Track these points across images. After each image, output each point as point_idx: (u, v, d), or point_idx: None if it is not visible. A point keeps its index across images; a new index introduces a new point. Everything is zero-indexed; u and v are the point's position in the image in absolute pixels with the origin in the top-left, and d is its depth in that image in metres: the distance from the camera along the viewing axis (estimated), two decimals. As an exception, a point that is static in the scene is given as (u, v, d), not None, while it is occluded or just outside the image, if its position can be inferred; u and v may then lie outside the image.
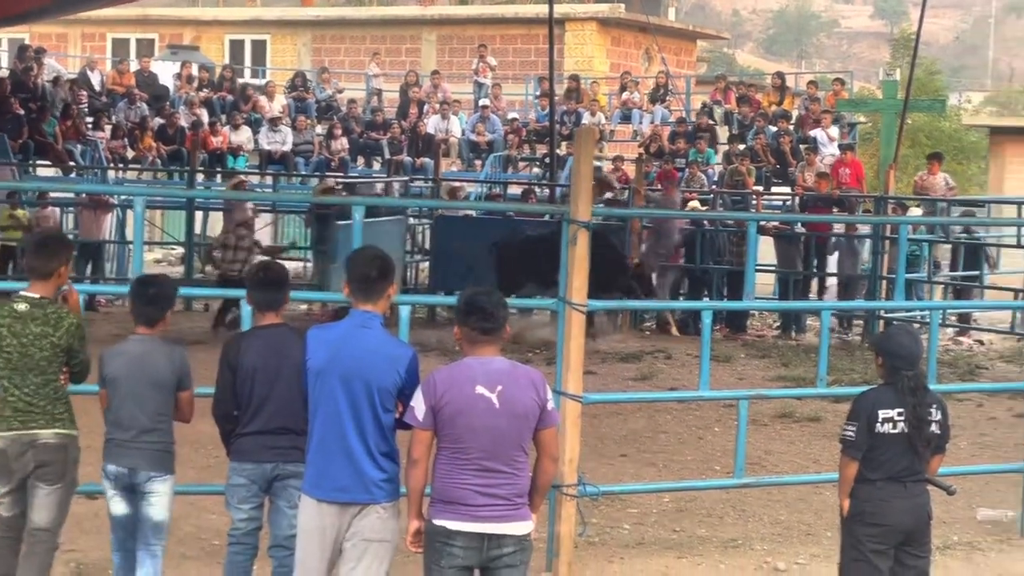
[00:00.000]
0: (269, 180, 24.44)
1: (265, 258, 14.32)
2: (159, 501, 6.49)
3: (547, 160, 23.30)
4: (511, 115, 28.10)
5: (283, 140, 25.39)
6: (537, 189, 21.37)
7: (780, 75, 28.85)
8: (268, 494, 6.51)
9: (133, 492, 6.48)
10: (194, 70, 28.34)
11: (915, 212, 22.38)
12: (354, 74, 33.25)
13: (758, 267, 18.58)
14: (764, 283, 20.38)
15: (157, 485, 6.48)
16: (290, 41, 37.37)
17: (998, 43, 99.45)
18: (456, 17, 36.94)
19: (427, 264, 19.76)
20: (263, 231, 20.96)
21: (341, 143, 25.83)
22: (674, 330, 18.33)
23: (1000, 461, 11.06)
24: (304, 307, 18.48)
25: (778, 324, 19.29)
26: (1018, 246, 18.53)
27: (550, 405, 5.72)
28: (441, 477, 5.63)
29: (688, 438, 12.11)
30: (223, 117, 26.24)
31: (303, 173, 24.94)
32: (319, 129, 27.02)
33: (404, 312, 8.09)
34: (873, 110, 28.00)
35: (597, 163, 20.94)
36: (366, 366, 5.74)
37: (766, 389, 13.34)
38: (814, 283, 19.79)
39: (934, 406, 6.46)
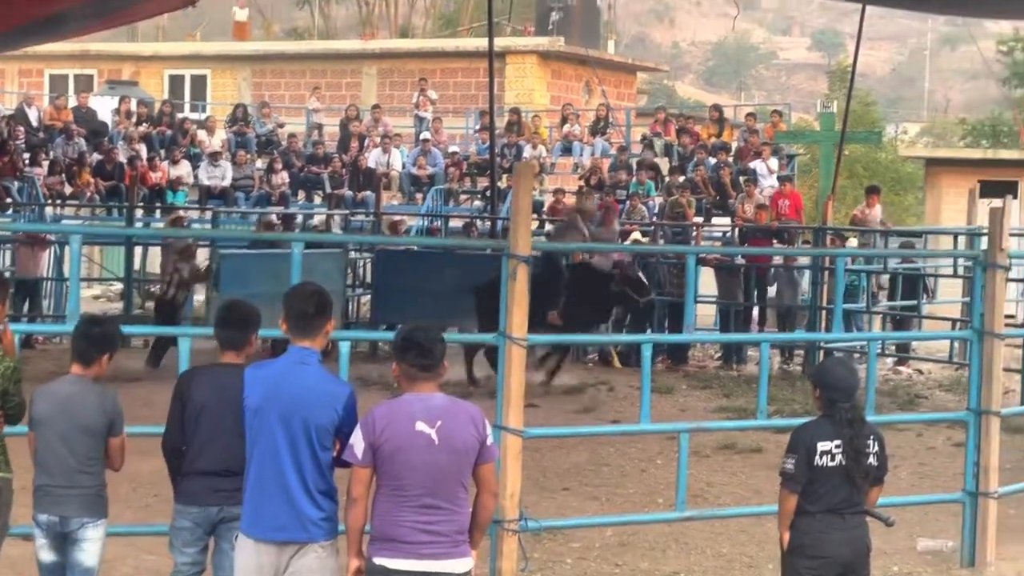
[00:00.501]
0: (209, 215, 24.31)
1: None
2: (90, 547, 6.38)
3: (488, 193, 23.33)
4: (452, 148, 28.12)
5: (223, 175, 25.27)
6: (479, 222, 21.38)
7: (718, 107, 29.08)
8: (212, 536, 6.44)
9: (64, 539, 6.37)
10: (133, 105, 28.19)
11: (853, 243, 22.57)
12: (295, 108, 33.19)
13: (699, 298, 18.82)
14: (706, 314, 20.50)
15: (89, 531, 6.37)
16: (230, 76, 37.26)
17: (933, 75, 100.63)
18: (397, 51, 36.98)
19: (368, 298, 19.69)
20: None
21: (281, 177, 25.74)
22: (616, 362, 18.37)
23: (939, 491, 11.13)
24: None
25: (719, 355, 19.37)
26: (955, 276, 18.73)
27: (490, 440, 5.71)
28: (380, 515, 5.60)
29: (631, 471, 12.12)
30: (162, 152, 26.10)
31: (243, 208, 24.83)
32: (259, 164, 26.93)
33: (344, 348, 8.06)
34: (811, 142, 28.22)
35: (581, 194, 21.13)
36: (304, 403, 5.71)
37: (707, 421, 13.39)
38: (755, 313, 19.90)
39: (871, 437, 6.49)
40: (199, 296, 19.23)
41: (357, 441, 5.58)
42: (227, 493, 6.23)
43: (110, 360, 6.49)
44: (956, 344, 18.36)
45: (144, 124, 27.58)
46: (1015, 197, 28.60)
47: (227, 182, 25.21)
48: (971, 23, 29.89)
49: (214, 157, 25.52)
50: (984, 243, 9.67)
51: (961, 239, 20.48)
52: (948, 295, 21.06)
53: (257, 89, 36.48)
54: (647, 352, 8.66)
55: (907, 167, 46.05)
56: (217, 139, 27.35)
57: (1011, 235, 10.09)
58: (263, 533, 5.73)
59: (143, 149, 25.89)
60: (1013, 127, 43.32)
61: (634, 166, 25.09)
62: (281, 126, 29.74)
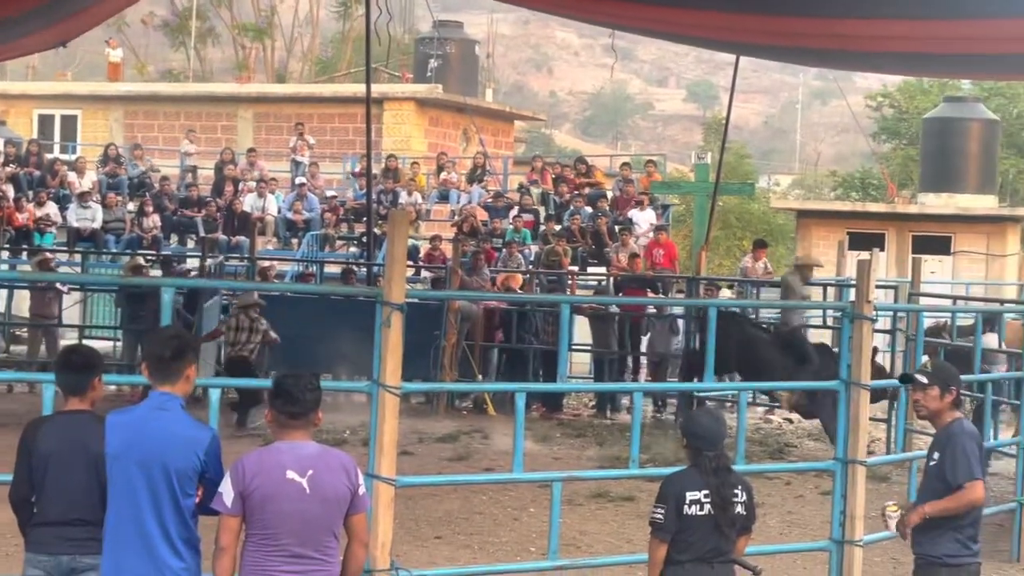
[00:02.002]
0: (78, 258, 23.90)
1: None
2: None
3: (364, 239, 23.25)
4: (329, 193, 28.01)
5: (93, 217, 24.91)
6: (356, 268, 21.30)
7: (583, 160, 29.33)
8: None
9: None
10: (0, 144, 27.70)
11: (727, 293, 22.88)
12: (168, 151, 32.83)
13: (574, 346, 18.91)
14: (581, 362, 20.59)
15: None
16: (102, 116, 36.75)
17: (805, 128, 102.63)
18: (273, 95, 36.79)
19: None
20: (71, 309, 20.50)
21: (153, 220, 25.44)
22: (491, 410, 18.37)
23: (807, 539, 11.28)
24: (113, 388, 18.05)
25: (594, 403, 19.46)
26: (824, 327, 19.02)
27: (362, 490, 5.68)
28: (249, 565, 5.53)
29: (504, 519, 12.09)
30: (29, 193, 25.65)
31: (113, 251, 24.46)
32: (131, 206, 26.57)
33: (215, 395, 7.93)
34: (686, 192, 28.65)
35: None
36: (164, 450, 5.60)
37: (581, 470, 13.40)
38: (630, 362, 20.04)
39: (739, 487, 6.54)
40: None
41: (226, 489, 5.50)
42: (78, 542, 6.04)
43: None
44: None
45: (11, 164, 27.10)
46: (882, 250, 29.23)
47: (97, 224, 24.86)
48: (841, 78, 30.55)
49: (83, 198, 25.15)
50: (852, 295, 9.84)
51: (831, 290, 20.85)
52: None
53: (129, 130, 36.02)
54: (521, 401, 8.65)
55: (779, 218, 46.82)
56: (87, 180, 26.97)
57: (877, 287, 10.28)
58: (122, 584, 5.60)
59: (10, 189, 25.42)
60: (881, 181, 44.29)
61: (511, 214, 25.22)
62: (156, 170, 29.40)
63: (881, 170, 45.78)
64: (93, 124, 36.66)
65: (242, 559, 5.56)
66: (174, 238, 26.36)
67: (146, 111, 36.67)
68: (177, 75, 53.20)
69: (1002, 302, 21.20)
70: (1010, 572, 11.17)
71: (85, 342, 17.04)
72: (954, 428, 7.03)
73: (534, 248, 24.07)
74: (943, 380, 7.14)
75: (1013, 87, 42.91)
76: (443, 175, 28.45)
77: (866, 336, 9.20)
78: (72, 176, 26.81)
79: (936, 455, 7.09)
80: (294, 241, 26.43)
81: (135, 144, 30.78)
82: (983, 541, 7.31)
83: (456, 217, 26.18)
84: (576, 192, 26.18)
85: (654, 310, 19.14)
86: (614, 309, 19.26)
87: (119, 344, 19.90)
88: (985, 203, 31.66)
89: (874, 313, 9.28)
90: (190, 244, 26.14)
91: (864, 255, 14.15)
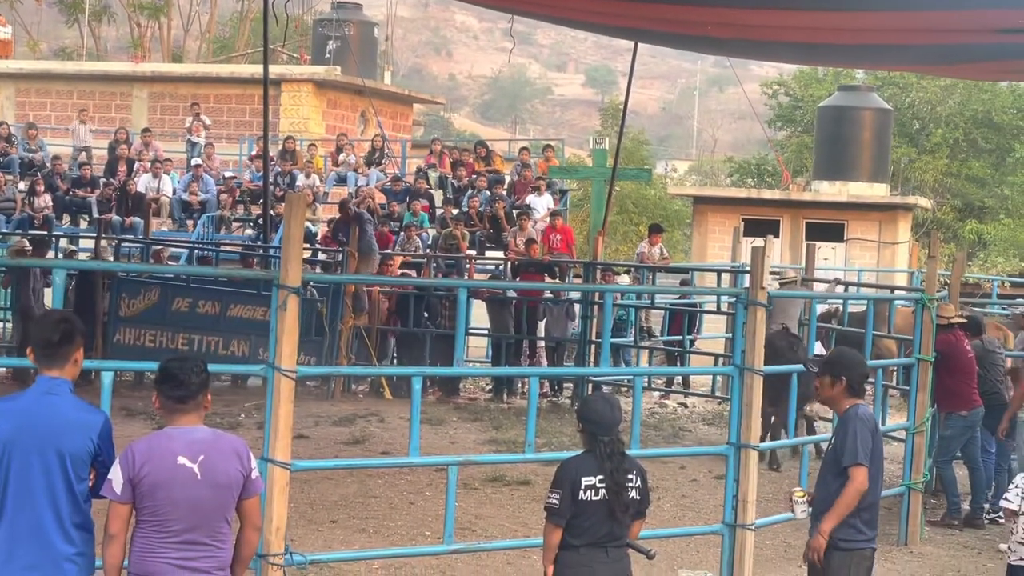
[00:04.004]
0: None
1: None
2: None
3: (260, 222, 23.07)
4: (226, 174, 27.72)
5: (-19, 196, 24.46)
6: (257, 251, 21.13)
7: (483, 144, 29.28)
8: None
9: None
10: None
11: (624, 279, 23.03)
12: (60, 130, 32.28)
13: (471, 330, 18.91)
14: (478, 346, 20.61)
15: None
16: (-7, 94, 36.08)
17: (702, 114, 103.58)
18: (169, 75, 36.34)
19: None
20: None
21: (44, 200, 25.01)
22: (387, 393, 18.31)
23: (701, 522, 11.40)
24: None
25: (490, 387, 19.49)
26: (718, 312, 19.22)
27: (255, 474, 5.65)
28: (138, 551, 5.47)
29: (399, 503, 12.08)
30: (-82, 171, 25.13)
31: (3, 231, 24.03)
32: (21, 186, 26.11)
33: (107, 378, 7.82)
34: (583, 177, 28.75)
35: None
36: (56, 434, 5.50)
37: (477, 454, 13.43)
38: (526, 346, 20.08)
39: (633, 471, 6.58)
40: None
41: (116, 476, 5.43)
42: None
43: None
44: (719, 379, 18.84)
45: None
46: (776, 236, 29.60)
47: (-14, 204, 24.40)
48: (737, 65, 30.83)
49: (-27, 177, 24.68)
50: (747, 281, 9.94)
51: (725, 276, 21.06)
52: (712, 330, 21.64)
53: (21, 108, 35.41)
54: (417, 384, 8.64)
55: (675, 204, 47.24)
56: (-24, 159, 26.48)
57: (771, 273, 10.40)
58: (14, 573, 5.50)
59: None
60: (776, 168, 44.82)
61: (408, 197, 25.14)
62: (53, 156, 28.90)
63: (776, 157, 46.33)
64: (-17, 102, 35.97)
65: (132, 545, 5.50)
66: (66, 218, 25.94)
67: (38, 89, 36.05)
68: (70, 53, 52.32)
69: (892, 289, 21.57)
70: (897, 555, 11.37)
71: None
72: (848, 413, 7.17)
73: (432, 232, 24.03)
74: (832, 368, 7.29)
75: (906, 77, 43.62)
76: (341, 157, 28.28)
77: (759, 322, 9.30)
78: (-40, 155, 26.29)
79: (833, 439, 7.26)
80: (189, 223, 26.14)
81: (29, 123, 30.22)
82: (873, 525, 7.43)
83: (354, 200, 26.03)
84: (474, 175, 26.16)
85: (551, 295, 19.20)
86: (511, 294, 19.28)
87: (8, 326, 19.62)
88: (877, 191, 32.19)
89: (768, 299, 9.39)
90: (83, 224, 25.75)
91: (759, 242, 14.31)
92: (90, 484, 5.59)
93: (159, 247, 21.23)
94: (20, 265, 16.40)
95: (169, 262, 21.05)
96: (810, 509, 7.31)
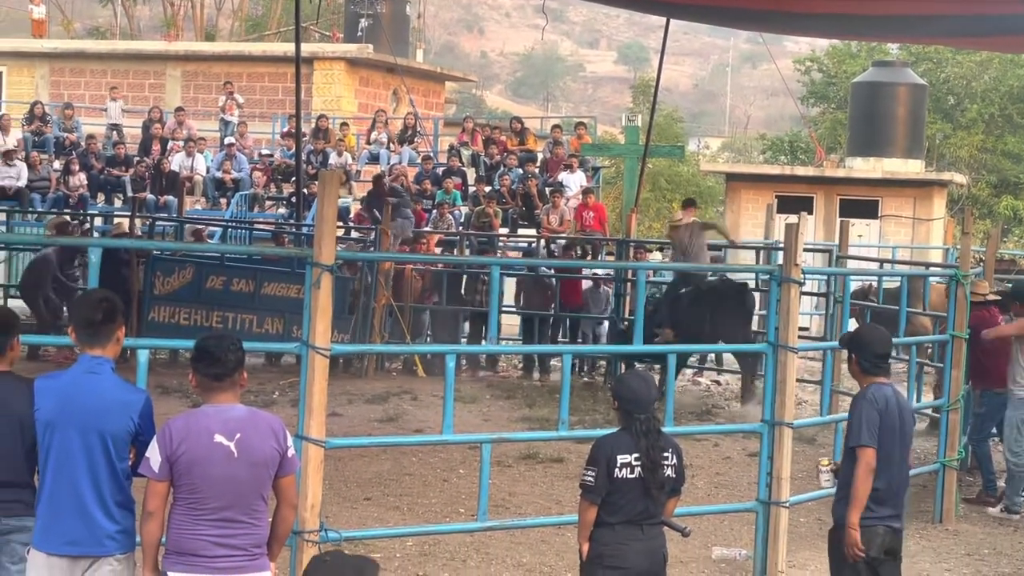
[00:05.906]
0: (3, 217, 23.56)
1: None
2: None
3: (293, 200, 23.11)
4: (261, 152, 27.78)
5: (17, 175, 24.54)
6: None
7: (519, 119, 29.23)
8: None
9: None
10: (-79, 102, 27.24)
11: (657, 256, 22.95)
12: (94, 109, 32.40)
13: (504, 308, 18.90)
14: (510, 324, 20.61)
15: None
16: (27, 73, 36.16)
17: (735, 91, 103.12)
18: (202, 53, 36.37)
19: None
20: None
21: (79, 179, 25.11)
22: (420, 371, 18.35)
23: (734, 500, 11.41)
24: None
25: (522, 365, 19.49)
26: (754, 290, 19.11)
27: (291, 452, 5.67)
28: (176, 528, 5.51)
29: (433, 480, 12.11)
30: (-47, 151, 25.22)
31: (39, 210, 24.16)
32: (56, 165, 26.22)
33: (143, 356, 7.86)
34: (616, 155, 28.66)
35: None
36: (98, 413, 5.56)
37: (510, 431, 13.44)
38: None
39: (669, 450, 6.58)
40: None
41: (153, 454, 5.47)
42: (4, 504, 5.89)
43: None
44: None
45: (-67, 122, 26.65)
46: (810, 213, 29.44)
47: (22, 183, 24.49)
48: (770, 41, 30.65)
49: (8, 156, 24.77)
50: (780, 258, 9.90)
51: (760, 253, 20.96)
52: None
53: (55, 88, 35.50)
54: (451, 362, 8.65)
55: (708, 181, 47.03)
56: (12, 138, 26.57)
57: (805, 250, 10.35)
58: (55, 547, 5.57)
59: (-67, 148, 25.00)
60: (810, 144, 44.58)
61: (441, 175, 25.13)
62: (87, 135, 29.00)
63: (810, 134, 46.06)
64: (18, 81, 36.07)
65: (169, 522, 5.54)
66: (101, 197, 26.05)
67: (72, 68, 36.13)
68: (104, 32, 52.44)
69: (927, 266, 21.45)
70: (932, 533, 11.34)
71: (9, 303, 16.89)
72: (859, 393, 7.16)
73: (464, 209, 24.02)
74: (848, 345, 7.32)
75: (940, 52, 43.24)
76: (373, 135, 28.28)
77: (793, 299, 9.28)
78: (-4, 134, 26.39)
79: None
80: (223, 201, 26.21)
81: (66, 104, 30.32)
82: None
83: (387, 178, 26.05)
84: (505, 153, 26.12)
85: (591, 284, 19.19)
86: (544, 271, 19.26)
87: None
88: (912, 167, 31.95)
89: (802, 276, 9.36)
90: (117, 203, 25.85)
91: (792, 219, 14.25)
92: (130, 462, 5.64)
93: (199, 226, 21.31)
94: (56, 244, 16.46)
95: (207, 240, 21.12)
96: (834, 479, 7.35)
